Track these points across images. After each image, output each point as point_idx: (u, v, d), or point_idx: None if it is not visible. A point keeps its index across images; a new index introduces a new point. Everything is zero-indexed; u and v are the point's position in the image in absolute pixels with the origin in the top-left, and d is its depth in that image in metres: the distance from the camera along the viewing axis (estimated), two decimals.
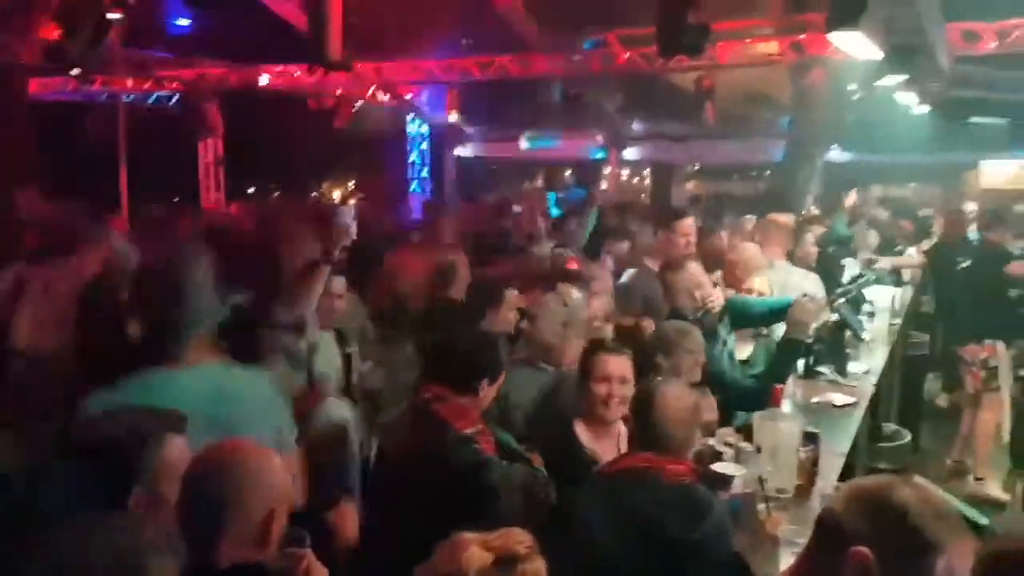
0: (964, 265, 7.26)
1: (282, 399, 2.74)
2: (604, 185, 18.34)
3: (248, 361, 2.86)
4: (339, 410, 3.32)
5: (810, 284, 5.44)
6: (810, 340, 4.40)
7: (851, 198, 9.68)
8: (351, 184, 23.18)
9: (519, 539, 1.67)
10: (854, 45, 5.17)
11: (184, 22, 13.70)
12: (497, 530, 1.69)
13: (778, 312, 4.49)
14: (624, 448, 3.19)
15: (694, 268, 4.51)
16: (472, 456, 2.84)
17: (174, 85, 14.60)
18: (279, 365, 3.32)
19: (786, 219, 6.46)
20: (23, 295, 3.55)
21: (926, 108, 10.62)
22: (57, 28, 8.15)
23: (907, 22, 5.94)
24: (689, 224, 5.27)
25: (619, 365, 3.28)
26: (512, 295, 4.12)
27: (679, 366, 3.74)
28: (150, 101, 15.59)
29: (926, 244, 8.60)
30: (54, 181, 12.58)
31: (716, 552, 2.62)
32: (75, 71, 6.83)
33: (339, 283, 3.81)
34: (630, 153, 16.85)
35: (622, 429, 3.32)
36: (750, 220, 7.42)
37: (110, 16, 6.46)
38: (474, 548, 1.61)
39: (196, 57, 14.02)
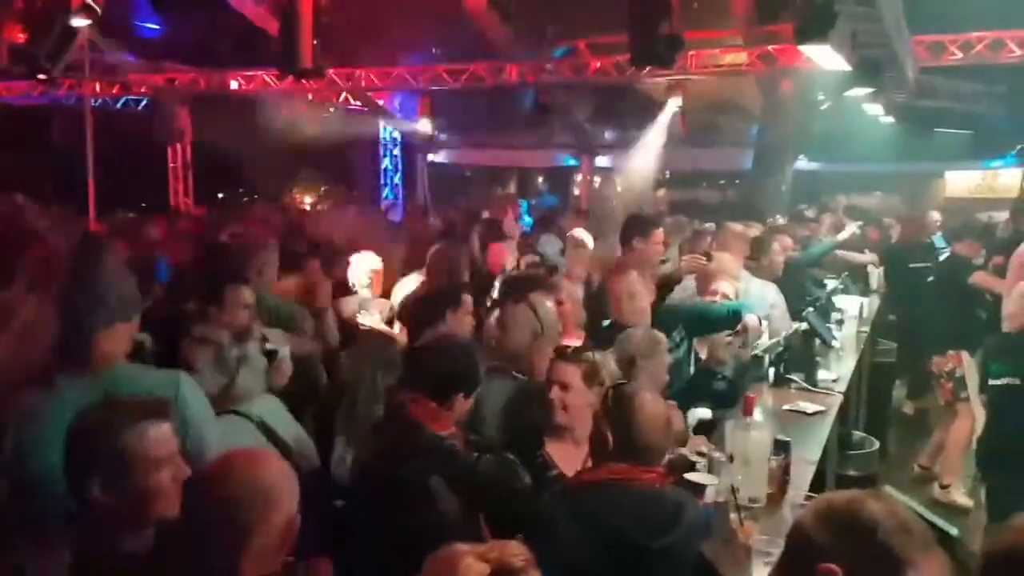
0: (930, 278, 7.40)
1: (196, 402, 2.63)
2: (576, 192, 18.45)
3: (173, 365, 2.82)
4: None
5: (770, 293, 5.49)
6: (723, 372, 4.36)
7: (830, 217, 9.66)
8: (322, 190, 23.03)
9: (515, 552, 1.63)
10: (822, 57, 5.24)
11: (153, 26, 13.55)
12: (490, 542, 1.67)
13: (737, 316, 4.51)
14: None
15: (633, 276, 4.53)
16: (444, 447, 2.86)
17: (143, 90, 14.43)
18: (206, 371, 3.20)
19: (743, 228, 6.48)
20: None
21: (892, 119, 10.81)
22: (23, 32, 8.04)
23: (873, 36, 6.05)
24: (662, 233, 5.32)
25: (566, 372, 3.28)
26: (469, 299, 4.11)
27: (656, 372, 3.77)
28: (119, 105, 15.41)
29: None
30: (20, 186, 12.45)
31: (689, 557, 2.63)
32: (41, 76, 6.71)
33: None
34: (601, 160, 16.94)
35: None
36: (710, 228, 7.48)
37: (76, 22, 6.37)
38: (470, 560, 1.58)
39: (165, 62, 13.88)
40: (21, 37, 7.65)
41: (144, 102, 15.34)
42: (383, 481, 2.84)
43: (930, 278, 7.48)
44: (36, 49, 6.24)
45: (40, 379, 2.48)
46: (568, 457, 3.22)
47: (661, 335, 4.01)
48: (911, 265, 8.17)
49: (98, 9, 6.10)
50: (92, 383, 2.42)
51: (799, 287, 6.27)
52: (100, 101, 14.21)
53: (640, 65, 5.10)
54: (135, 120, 15.58)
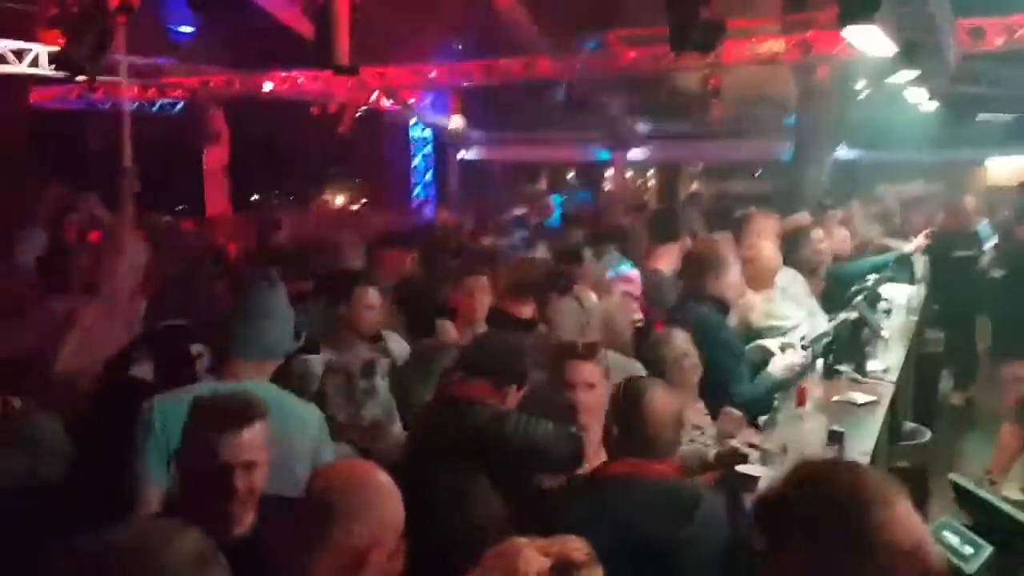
0: (1001, 273, 7.20)
1: (327, 434, 2.86)
2: (608, 187, 18.35)
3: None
4: None
5: (798, 287, 5.37)
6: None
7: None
8: (354, 189, 23.16)
9: (577, 545, 1.60)
10: (867, 40, 5.12)
11: (188, 29, 13.68)
12: (552, 537, 1.62)
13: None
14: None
15: None
16: (492, 411, 2.86)
17: (178, 92, 14.58)
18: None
19: (774, 217, 6.30)
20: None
21: (933, 105, 10.58)
22: (60, 35, 8.12)
23: (918, 18, 5.90)
24: None
25: (584, 371, 3.20)
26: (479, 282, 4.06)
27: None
28: (154, 109, 15.60)
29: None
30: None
31: (712, 547, 2.58)
32: (80, 78, 6.78)
33: (373, 294, 3.77)
34: (635, 154, 16.79)
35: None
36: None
37: (114, 23, 6.42)
38: (531, 552, 1.54)
39: (200, 64, 14.02)
40: (59, 42, 7.74)
41: (180, 105, 15.51)
42: (433, 463, 2.82)
43: (984, 269, 7.27)
44: (74, 52, 6.29)
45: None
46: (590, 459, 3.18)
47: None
48: (956, 254, 7.99)
49: (135, 8, 6.15)
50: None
51: (842, 288, 6.10)
52: (136, 104, 14.39)
53: (680, 52, 4.99)
54: (171, 123, 15.77)
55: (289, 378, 3.29)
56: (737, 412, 3.84)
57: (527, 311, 4.25)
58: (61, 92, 14.39)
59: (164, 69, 13.85)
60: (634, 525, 2.53)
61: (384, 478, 2.00)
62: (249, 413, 2.21)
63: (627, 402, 2.76)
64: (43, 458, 2.54)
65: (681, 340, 3.79)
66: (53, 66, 8.03)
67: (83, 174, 13.74)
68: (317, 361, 3.63)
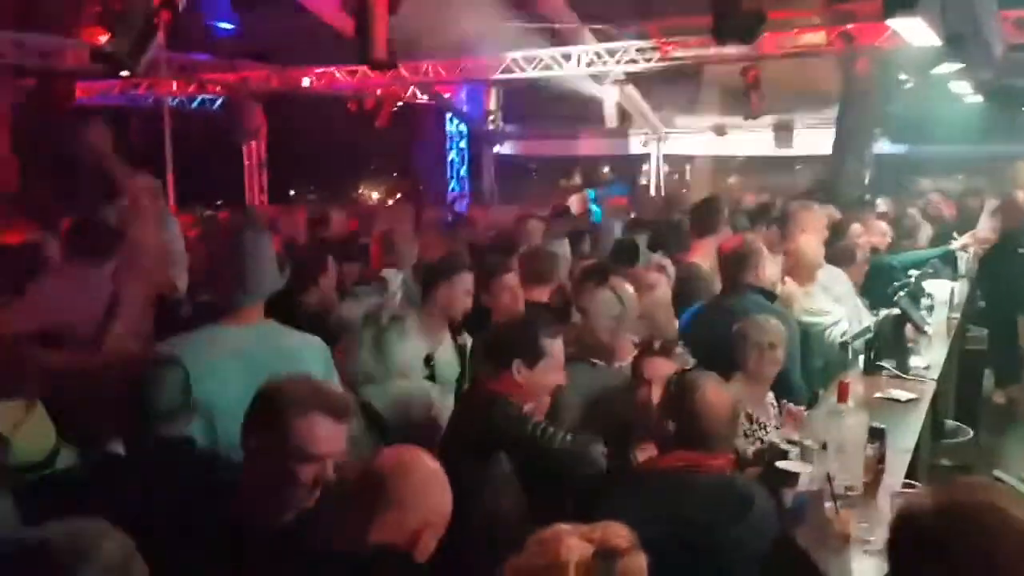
0: None
1: (331, 366, 2.89)
2: (644, 181, 18.24)
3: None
4: None
5: (841, 284, 5.30)
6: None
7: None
8: (390, 184, 23.31)
9: (619, 532, 1.59)
10: (911, 31, 5.03)
11: (227, 26, 13.85)
12: (594, 523, 1.62)
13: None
14: None
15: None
16: (514, 411, 2.89)
17: (218, 89, 14.76)
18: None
19: (816, 211, 6.22)
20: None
21: (978, 98, 10.38)
22: (103, 32, 8.27)
23: (963, 9, 5.78)
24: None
25: (669, 368, 3.22)
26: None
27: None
28: (194, 105, 15.81)
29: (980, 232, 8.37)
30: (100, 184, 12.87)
31: (762, 545, 2.57)
32: (123, 73, 6.90)
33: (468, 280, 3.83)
34: (672, 147, 16.68)
35: None
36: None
37: (157, 19, 6.53)
38: (573, 540, 1.54)
39: (239, 60, 14.17)
40: (101, 37, 7.88)
41: (219, 101, 15.71)
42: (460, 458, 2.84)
43: None
44: (117, 48, 6.40)
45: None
46: None
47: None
48: (1020, 250, 7.74)
49: (177, 6, 6.25)
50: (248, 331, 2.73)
51: (884, 282, 6.02)
52: (176, 101, 14.60)
53: (722, 40, 4.96)
54: (210, 119, 15.97)
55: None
56: (799, 409, 3.83)
57: (543, 296, 4.36)
58: (104, 88, 14.64)
59: (204, 65, 14.01)
60: (686, 519, 2.52)
61: (434, 464, 2.07)
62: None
63: (679, 395, 2.75)
64: None
65: (774, 328, 3.77)
66: (97, 62, 8.16)
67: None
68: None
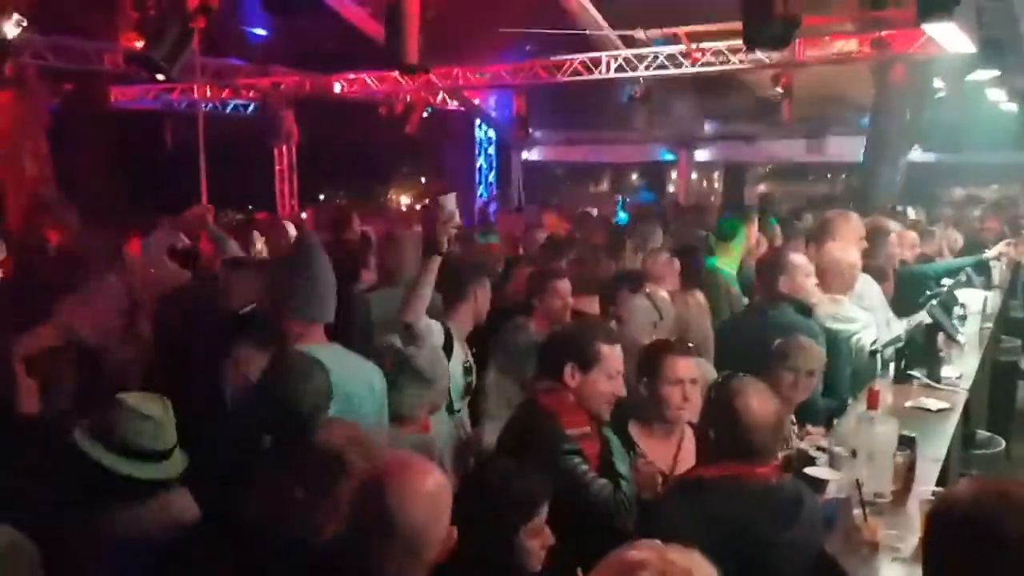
0: None
1: (384, 390, 2.96)
2: (672, 188, 18.19)
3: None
4: None
5: (874, 294, 5.24)
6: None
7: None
8: (418, 189, 23.42)
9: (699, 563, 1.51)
10: (946, 37, 4.98)
11: (261, 32, 14.02)
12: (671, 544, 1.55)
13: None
14: (688, 451, 3.13)
15: None
16: (558, 443, 2.86)
17: (251, 94, 14.95)
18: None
19: (852, 220, 6.15)
20: None
21: (1013, 105, 10.23)
22: (139, 38, 8.41)
23: (999, 15, 5.72)
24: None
25: (689, 367, 3.20)
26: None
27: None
28: (227, 109, 16.01)
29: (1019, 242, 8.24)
30: (136, 188, 13.08)
31: (811, 551, 2.55)
32: (159, 78, 7.01)
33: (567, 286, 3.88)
34: (701, 154, 16.61)
35: (687, 433, 3.24)
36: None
37: (193, 25, 6.63)
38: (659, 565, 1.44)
39: (272, 65, 14.35)
40: (137, 42, 8.02)
41: (252, 106, 15.90)
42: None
43: None
44: (155, 52, 6.51)
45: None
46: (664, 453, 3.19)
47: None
48: None
49: (213, 10, 6.34)
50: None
51: (917, 291, 5.95)
52: (209, 105, 14.79)
53: (753, 47, 4.93)
54: (243, 123, 16.16)
55: None
56: (818, 430, 3.80)
57: (592, 307, 4.29)
58: (139, 92, 14.87)
59: (238, 70, 14.20)
60: (738, 528, 2.48)
61: (439, 479, 2.03)
62: None
63: (721, 403, 2.67)
64: None
65: (817, 355, 3.72)
66: (134, 66, 8.31)
67: (159, 172, 14.23)
68: None
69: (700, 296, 4.37)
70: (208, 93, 14.12)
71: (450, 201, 3.26)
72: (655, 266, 4.97)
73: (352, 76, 13.87)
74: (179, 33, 6.63)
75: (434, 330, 3.35)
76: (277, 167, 15.68)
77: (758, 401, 2.65)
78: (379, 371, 2.99)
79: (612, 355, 3.03)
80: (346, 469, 2.24)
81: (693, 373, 3.20)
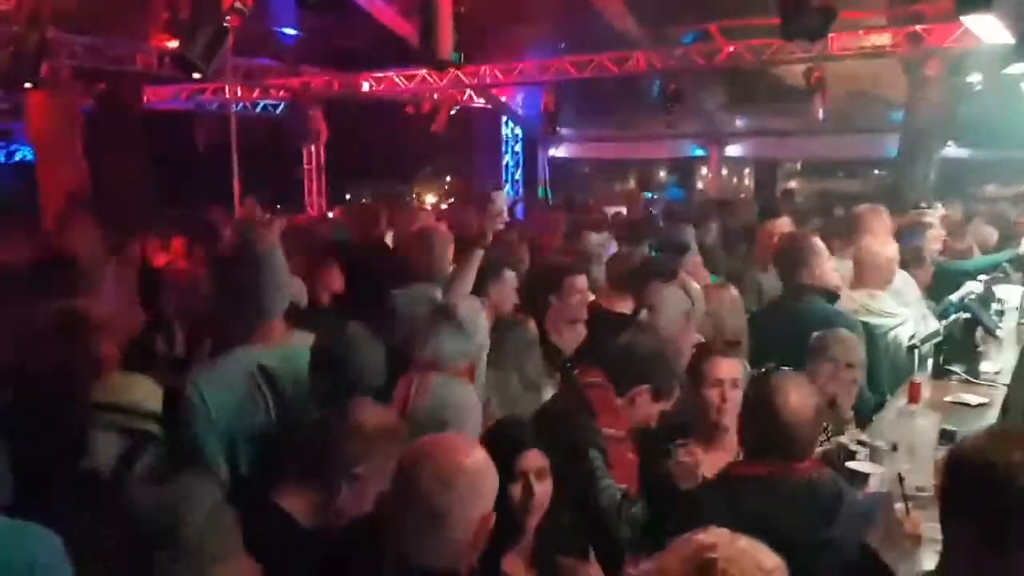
0: None
1: None
2: (701, 185, 18.08)
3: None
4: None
5: (910, 290, 5.18)
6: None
7: None
8: (444, 187, 23.45)
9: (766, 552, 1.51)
10: (984, 29, 4.92)
11: (291, 31, 14.12)
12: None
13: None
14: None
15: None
16: (591, 438, 2.86)
17: (281, 93, 15.06)
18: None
19: (884, 214, 6.08)
20: None
21: None
22: (171, 38, 8.50)
23: None
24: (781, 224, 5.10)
25: (732, 367, 3.18)
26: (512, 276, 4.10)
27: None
28: (257, 109, 16.14)
29: None
30: (170, 187, 13.24)
31: (854, 546, 2.50)
32: (195, 76, 7.10)
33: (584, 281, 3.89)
34: (731, 150, 16.48)
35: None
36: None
37: (228, 24, 6.71)
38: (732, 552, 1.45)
39: (301, 65, 14.45)
40: (171, 44, 8.11)
41: (281, 106, 16.02)
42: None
43: None
44: (191, 51, 6.59)
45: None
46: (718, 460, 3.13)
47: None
48: None
49: (246, 10, 6.41)
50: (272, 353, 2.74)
51: (953, 286, 5.89)
52: (240, 105, 14.92)
53: (789, 38, 4.91)
54: (272, 123, 16.30)
55: None
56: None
57: (626, 306, 4.28)
58: (172, 92, 15.04)
59: (268, 70, 14.31)
60: (778, 526, 2.45)
61: (480, 456, 2.04)
62: None
63: (760, 399, 2.64)
64: None
65: (856, 347, 3.67)
66: (167, 67, 8.41)
67: (190, 173, 14.38)
68: None
69: (734, 290, 4.35)
70: (239, 93, 14.24)
71: (500, 198, 3.31)
72: (687, 266, 4.96)
73: (380, 75, 13.94)
74: (214, 32, 6.71)
75: (478, 310, 3.35)
76: (305, 166, 15.79)
77: (796, 396, 2.62)
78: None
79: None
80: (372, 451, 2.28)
81: (735, 373, 3.18)
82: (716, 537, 1.47)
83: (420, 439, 2.11)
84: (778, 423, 2.57)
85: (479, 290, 3.88)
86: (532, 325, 3.98)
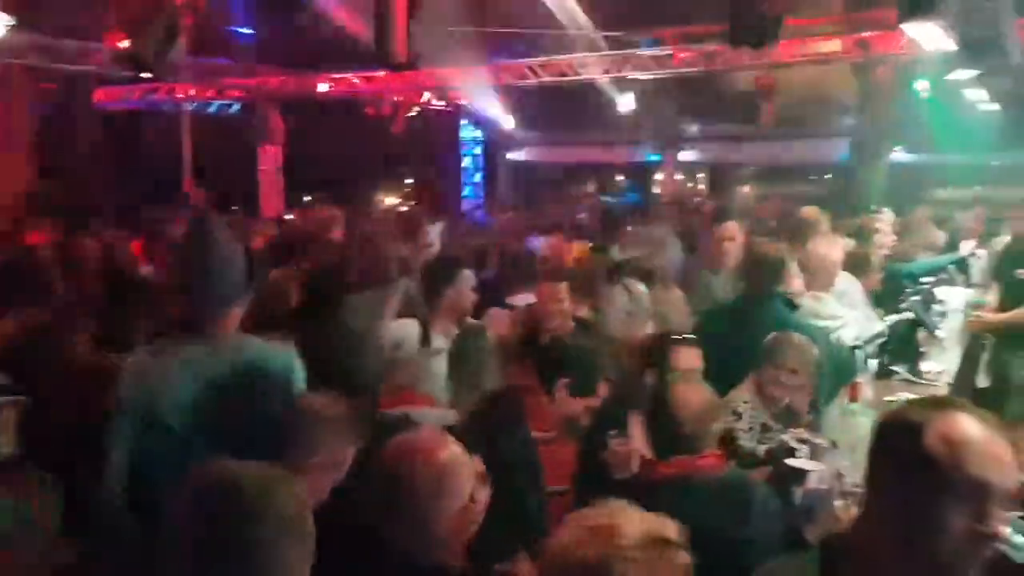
0: None
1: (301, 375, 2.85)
2: (658, 189, 18.23)
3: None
4: None
5: (855, 291, 5.28)
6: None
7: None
8: (405, 190, 23.36)
9: (671, 525, 1.57)
10: (926, 37, 5.04)
11: (247, 31, 13.99)
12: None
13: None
14: None
15: None
16: (529, 448, 2.85)
17: (236, 93, 14.87)
18: None
19: (815, 213, 6.18)
20: None
21: (995, 106, 10.32)
22: (125, 36, 8.35)
23: (980, 14, 5.76)
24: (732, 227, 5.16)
25: (694, 357, 3.21)
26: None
27: None
28: (211, 109, 15.91)
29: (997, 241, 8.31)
30: (120, 187, 13.03)
31: (773, 543, 2.54)
32: (145, 76, 6.99)
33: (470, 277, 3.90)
34: (685, 155, 16.66)
35: None
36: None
37: (180, 23, 6.61)
38: (630, 526, 1.51)
39: (257, 65, 14.31)
40: (124, 41, 7.97)
41: (236, 106, 15.81)
42: None
43: None
44: (141, 49, 6.49)
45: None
46: None
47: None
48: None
49: (200, 8, 6.33)
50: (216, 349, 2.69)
51: (898, 288, 6.01)
52: (194, 105, 14.71)
53: (737, 45, 4.98)
54: (227, 123, 16.07)
55: None
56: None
57: (582, 311, 4.30)
58: (124, 92, 14.76)
59: (223, 70, 14.14)
60: (696, 527, 2.49)
61: (456, 450, 2.06)
62: None
63: (657, 400, 2.72)
64: None
65: (803, 354, 3.60)
66: (119, 66, 8.26)
67: (144, 173, 14.16)
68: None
69: (677, 291, 4.40)
70: (193, 93, 14.05)
71: (433, 230, 3.32)
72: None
73: (338, 76, 13.83)
74: (165, 30, 6.61)
75: (408, 330, 3.36)
76: (262, 167, 15.55)
77: (684, 392, 2.72)
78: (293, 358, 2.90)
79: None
80: None
81: (697, 363, 3.21)
82: (611, 506, 1.55)
83: (397, 437, 2.13)
84: (672, 421, 2.66)
85: (433, 292, 3.88)
86: (490, 333, 4.01)
